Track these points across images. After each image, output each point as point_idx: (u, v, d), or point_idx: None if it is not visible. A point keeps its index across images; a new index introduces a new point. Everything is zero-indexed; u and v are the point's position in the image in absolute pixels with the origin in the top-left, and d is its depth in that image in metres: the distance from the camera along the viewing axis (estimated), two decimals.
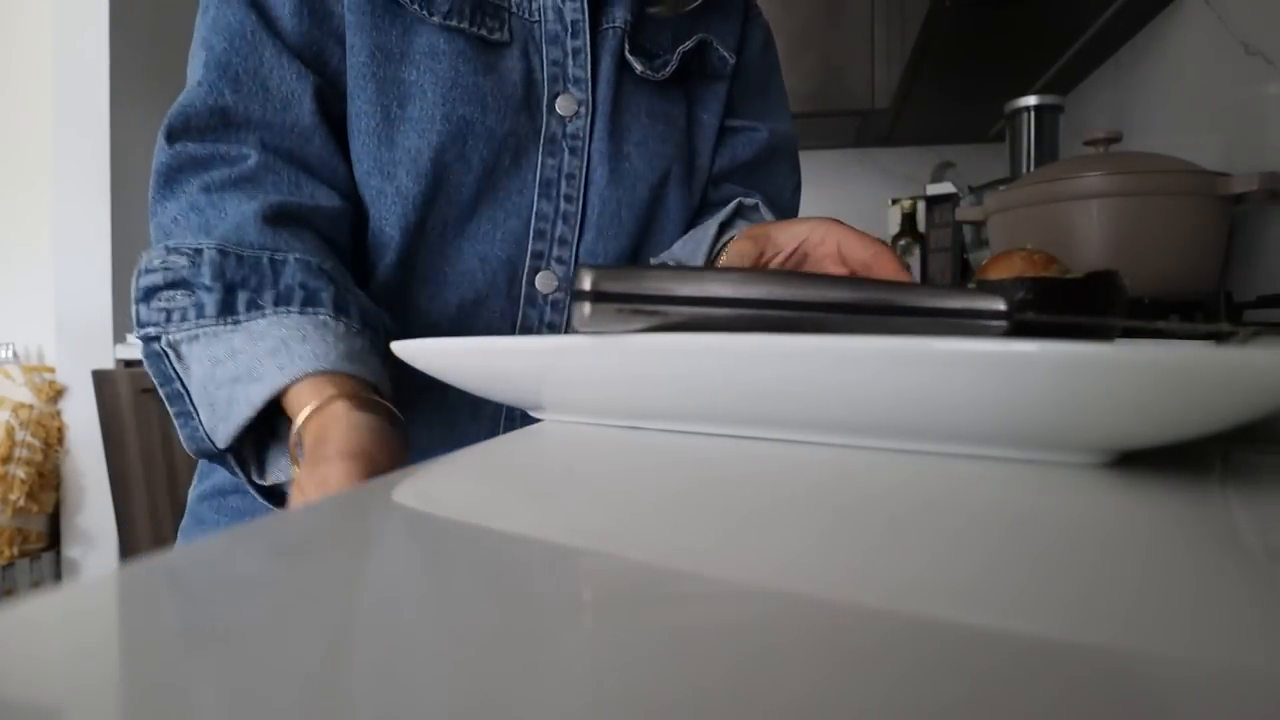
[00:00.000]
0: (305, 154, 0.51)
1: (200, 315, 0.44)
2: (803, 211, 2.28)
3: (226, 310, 0.45)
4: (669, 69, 0.60)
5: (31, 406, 1.93)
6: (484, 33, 0.54)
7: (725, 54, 0.64)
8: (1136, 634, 0.12)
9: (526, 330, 0.58)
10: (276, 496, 0.47)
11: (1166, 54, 1.16)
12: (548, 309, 0.58)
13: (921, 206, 1.68)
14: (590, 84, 0.57)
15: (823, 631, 0.12)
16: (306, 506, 0.21)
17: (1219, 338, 0.42)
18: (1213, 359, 0.19)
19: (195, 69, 0.50)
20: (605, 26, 0.58)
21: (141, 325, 0.45)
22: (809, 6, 1.83)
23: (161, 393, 0.45)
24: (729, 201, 0.65)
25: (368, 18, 0.51)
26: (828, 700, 0.10)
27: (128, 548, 1.85)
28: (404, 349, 0.37)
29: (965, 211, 1.05)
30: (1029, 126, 1.21)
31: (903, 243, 1.71)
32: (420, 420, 0.56)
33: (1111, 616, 0.13)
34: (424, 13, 0.52)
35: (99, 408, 1.79)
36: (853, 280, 0.31)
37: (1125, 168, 0.85)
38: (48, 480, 1.94)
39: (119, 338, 1.91)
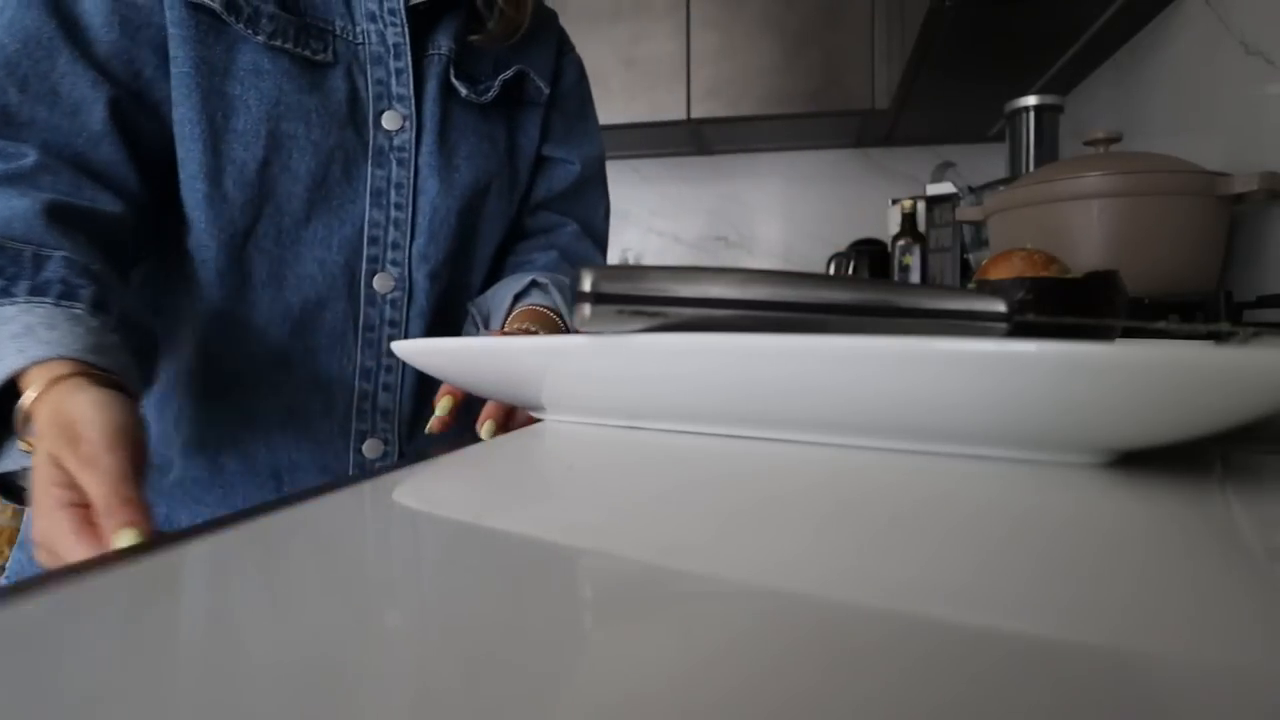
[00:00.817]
0: (90, 159, 0.52)
1: None
2: (803, 211, 2.27)
3: None
4: (491, 94, 0.66)
5: None
6: (308, 53, 0.57)
7: (541, 84, 0.71)
8: (1136, 634, 0.12)
9: (368, 328, 0.62)
10: (13, 492, 0.47)
11: (1166, 54, 1.16)
12: (387, 307, 0.62)
13: (921, 206, 1.68)
14: (415, 102, 0.62)
15: (823, 630, 0.12)
16: (308, 506, 0.21)
17: (1219, 338, 0.42)
18: (1213, 359, 0.19)
19: None
20: (431, 53, 0.63)
21: None
22: (809, 6, 1.83)
23: None
24: (545, 228, 0.75)
25: (192, 31, 0.53)
26: (828, 698, 0.10)
27: None
28: (404, 349, 0.37)
29: (965, 211, 1.05)
30: (1029, 126, 1.21)
31: (902, 243, 1.71)
32: (261, 424, 0.59)
33: (1111, 616, 0.13)
34: (249, 32, 0.55)
35: None
36: (853, 281, 0.31)
37: (1125, 168, 0.85)
38: None
39: None
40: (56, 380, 0.41)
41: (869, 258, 1.90)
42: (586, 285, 0.29)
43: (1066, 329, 0.33)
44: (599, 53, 1.91)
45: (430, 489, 0.24)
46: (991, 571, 0.15)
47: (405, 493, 0.23)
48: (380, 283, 0.62)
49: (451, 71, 0.63)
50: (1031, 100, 1.20)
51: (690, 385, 0.29)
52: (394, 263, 0.62)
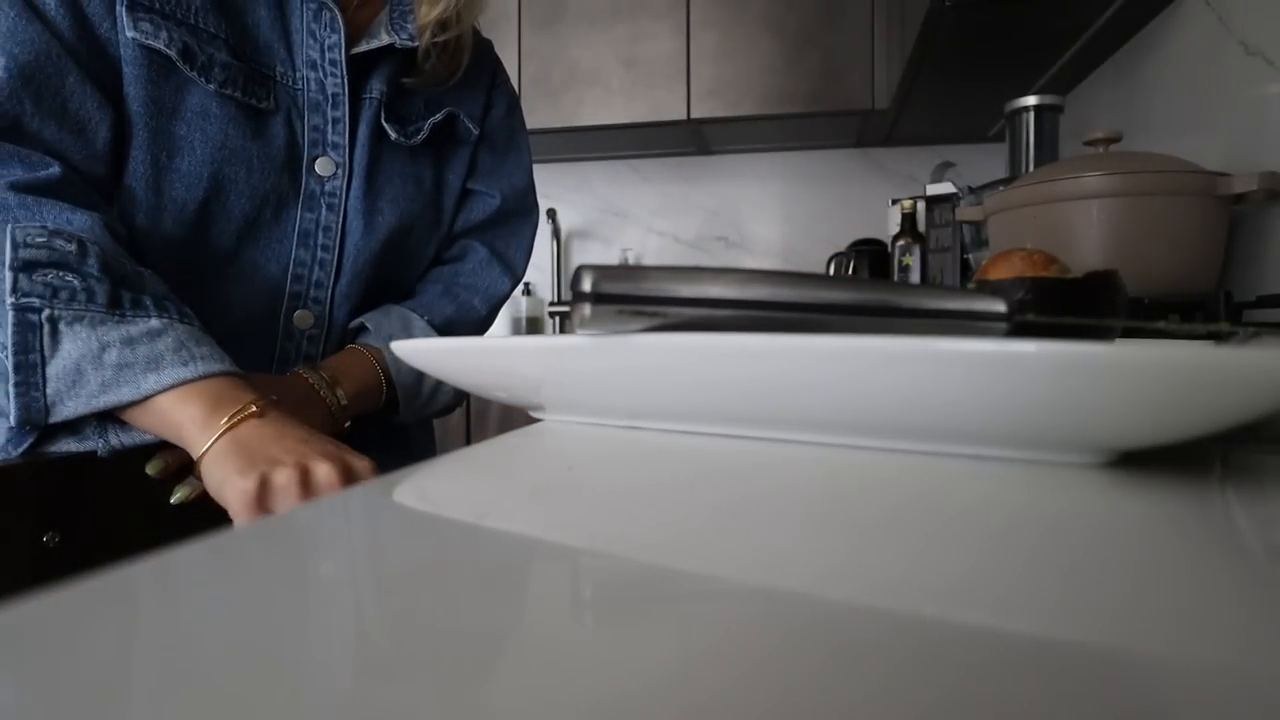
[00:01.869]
0: (97, 179, 0.53)
1: (90, 300, 0.46)
2: (803, 211, 2.27)
3: (115, 303, 0.47)
4: (420, 136, 0.67)
5: None
6: (252, 101, 0.58)
7: (470, 125, 0.72)
8: (1135, 633, 0.12)
9: (284, 362, 0.63)
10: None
11: (1166, 54, 1.16)
12: (304, 342, 0.64)
13: (921, 206, 1.68)
14: (348, 149, 0.63)
15: (823, 630, 0.12)
16: (307, 505, 0.21)
17: (1219, 338, 0.42)
18: (1213, 359, 0.19)
19: None
20: (364, 96, 0.64)
21: (21, 294, 0.45)
22: (809, 7, 1.83)
23: (12, 360, 0.45)
24: (456, 256, 0.76)
25: (144, 71, 0.53)
26: (828, 697, 0.10)
27: None
28: (404, 349, 0.37)
29: (965, 211, 1.05)
30: (1029, 126, 1.21)
31: (902, 243, 1.71)
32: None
33: (1110, 615, 0.13)
34: (201, 79, 0.55)
35: None
36: (853, 281, 0.31)
37: (1125, 168, 0.85)
38: None
39: None
40: (242, 419, 0.46)
41: (869, 258, 1.89)
42: (586, 285, 0.29)
43: (1066, 329, 0.33)
44: (599, 53, 1.91)
45: (430, 489, 0.24)
46: (990, 570, 0.15)
47: (405, 493, 0.23)
48: (300, 319, 0.63)
49: (383, 115, 0.64)
50: (1031, 100, 1.20)
51: (690, 385, 0.29)
52: (316, 300, 0.63)
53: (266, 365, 0.62)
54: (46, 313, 0.45)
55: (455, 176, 0.72)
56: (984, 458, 0.26)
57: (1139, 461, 0.25)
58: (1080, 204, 0.85)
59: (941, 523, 0.18)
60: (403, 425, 0.70)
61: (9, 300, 0.45)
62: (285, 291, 0.62)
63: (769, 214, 2.23)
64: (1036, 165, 1.19)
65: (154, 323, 0.48)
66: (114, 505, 0.51)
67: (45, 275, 0.46)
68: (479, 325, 0.75)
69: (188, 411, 0.46)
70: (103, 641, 0.12)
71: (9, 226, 0.46)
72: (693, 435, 0.31)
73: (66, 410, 0.46)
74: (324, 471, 0.44)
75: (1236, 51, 0.97)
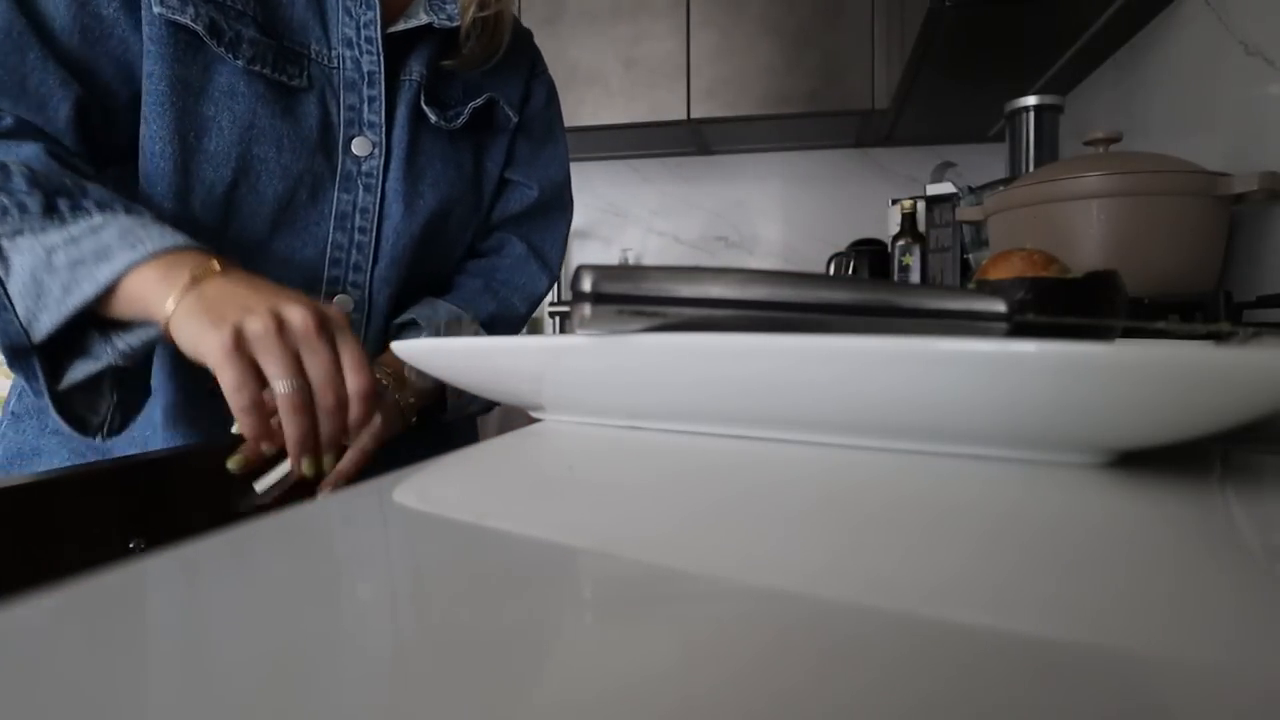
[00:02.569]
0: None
1: (24, 213, 0.46)
2: (803, 211, 2.26)
3: (50, 210, 0.47)
4: (460, 120, 0.66)
5: None
6: (283, 78, 0.57)
7: (510, 112, 0.71)
8: (1135, 633, 0.12)
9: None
10: (71, 415, 0.50)
11: (1166, 54, 1.16)
12: None
13: (921, 206, 1.68)
14: (385, 129, 0.62)
15: (823, 629, 0.12)
16: (308, 505, 0.21)
17: (1219, 338, 0.42)
18: (1213, 359, 0.19)
19: None
20: (403, 79, 0.63)
21: None
22: (809, 6, 1.83)
23: None
24: (495, 248, 0.75)
25: (169, 49, 0.53)
26: (828, 696, 0.10)
27: None
28: (404, 349, 0.37)
29: (965, 211, 1.05)
30: (1029, 126, 1.21)
31: (902, 243, 1.71)
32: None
33: (1109, 615, 0.13)
34: (229, 56, 0.55)
35: None
36: (853, 281, 0.31)
37: (1125, 168, 0.85)
38: None
39: None
40: (201, 276, 0.45)
41: (869, 258, 1.90)
42: (586, 285, 0.29)
43: (1066, 329, 0.33)
44: (599, 53, 1.91)
45: (430, 489, 0.24)
46: (990, 570, 0.15)
47: (405, 493, 0.23)
48: (340, 304, 0.62)
49: (422, 98, 0.63)
50: (1031, 100, 1.20)
51: (690, 385, 0.29)
52: (354, 285, 0.63)
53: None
54: None
55: (494, 165, 0.71)
56: (984, 458, 0.26)
57: (1139, 461, 0.25)
58: (1080, 204, 0.85)
59: (941, 522, 0.18)
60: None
61: None
62: (323, 276, 0.61)
63: (769, 214, 2.23)
64: (1036, 165, 1.19)
65: (95, 219, 0.47)
66: (193, 507, 0.51)
67: None
68: (518, 324, 0.75)
69: (148, 283, 0.46)
70: (95, 644, 0.12)
71: None
72: (693, 435, 0.31)
73: (43, 324, 0.46)
74: (299, 315, 0.44)
75: (1236, 51, 0.97)
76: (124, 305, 0.47)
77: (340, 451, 0.50)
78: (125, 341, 0.49)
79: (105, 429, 0.52)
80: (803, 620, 0.13)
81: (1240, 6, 0.97)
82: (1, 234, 0.46)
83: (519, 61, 0.72)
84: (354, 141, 0.61)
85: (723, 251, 2.25)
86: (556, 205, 0.78)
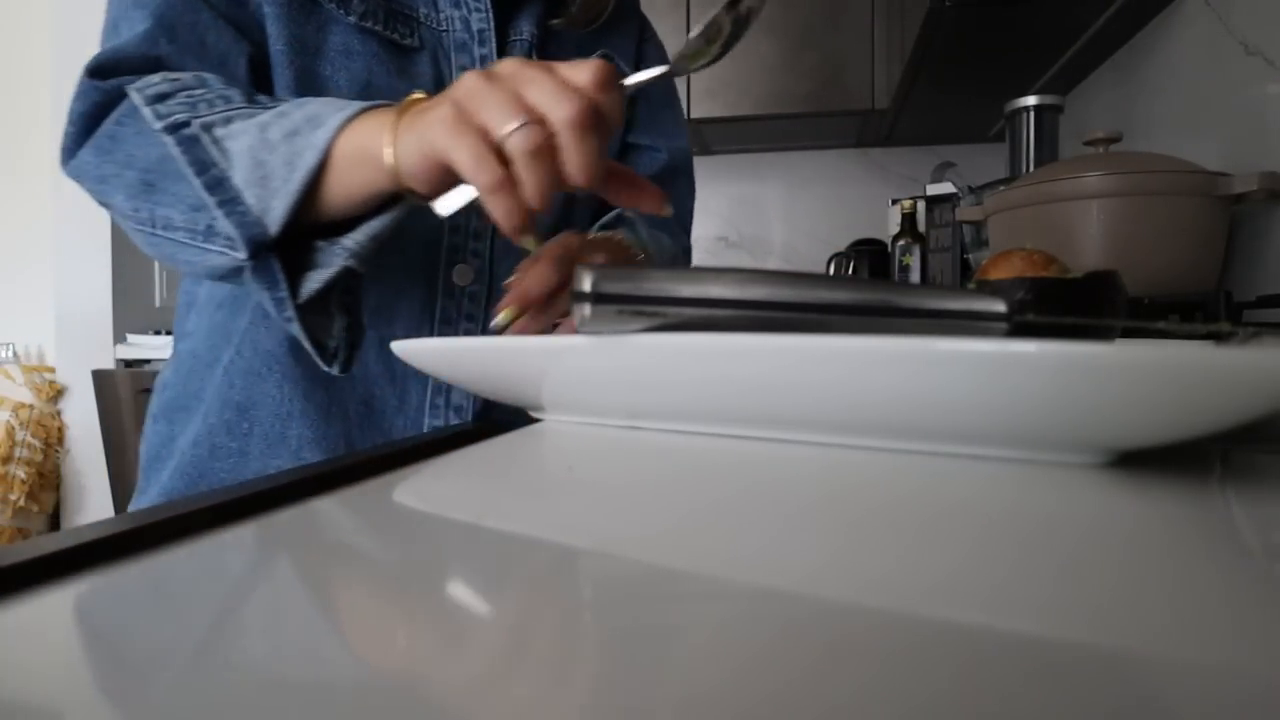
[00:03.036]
0: None
1: (229, 103, 0.45)
2: (803, 211, 2.26)
3: (252, 100, 0.46)
4: None
5: (31, 406, 1.93)
6: (396, 37, 0.56)
7: (626, 70, 0.68)
8: (1135, 633, 0.12)
9: (445, 322, 0.60)
10: (311, 339, 0.47)
11: (1166, 54, 1.16)
12: (465, 300, 0.60)
13: (921, 206, 1.68)
14: None
15: (823, 629, 0.12)
16: (308, 505, 0.21)
17: (1219, 338, 0.42)
18: (1213, 359, 0.19)
19: (127, 23, 0.51)
20: (513, 39, 0.62)
21: (163, 117, 0.44)
22: (809, 6, 1.83)
23: (199, 183, 0.43)
24: (631, 221, 0.72)
25: (284, 9, 0.53)
26: (827, 696, 0.10)
27: None
28: (404, 348, 0.37)
29: (965, 211, 1.05)
30: (1029, 126, 1.21)
31: (902, 243, 1.71)
32: (339, 414, 0.58)
33: (1109, 615, 0.13)
34: (340, 12, 0.54)
35: (99, 407, 1.79)
36: (853, 281, 0.31)
37: (1125, 168, 0.85)
38: (48, 480, 1.94)
39: (119, 338, 1.91)
40: (412, 102, 0.42)
41: (869, 258, 1.90)
42: (586, 285, 0.29)
43: (1066, 329, 0.33)
44: None
45: (430, 489, 0.24)
46: (989, 569, 0.15)
47: (405, 493, 0.23)
48: (460, 274, 0.60)
49: (534, 57, 0.61)
50: (1031, 100, 1.20)
51: (690, 385, 0.29)
52: (475, 254, 0.60)
53: (427, 326, 0.59)
54: (198, 123, 0.44)
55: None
56: (984, 457, 0.26)
57: (1139, 461, 0.25)
58: (1080, 204, 0.85)
59: (941, 522, 0.18)
60: None
61: (158, 127, 0.44)
62: (443, 244, 0.59)
63: (769, 214, 2.23)
64: (1036, 165, 1.19)
65: (296, 100, 0.46)
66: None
67: (177, 98, 0.45)
68: None
69: (365, 129, 0.42)
70: (91, 646, 0.12)
71: (129, 88, 0.46)
72: (693, 435, 0.31)
73: (276, 211, 0.43)
74: (506, 64, 0.39)
75: (1236, 51, 0.97)
76: (345, 170, 0.44)
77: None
78: (352, 239, 0.46)
79: (339, 357, 0.50)
80: (802, 620, 0.13)
81: (1240, 6, 0.97)
82: (213, 121, 0.44)
83: (627, 24, 0.71)
84: None
85: (723, 251, 2.25)
86: (685, 173, 0.76)
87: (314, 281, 0.46)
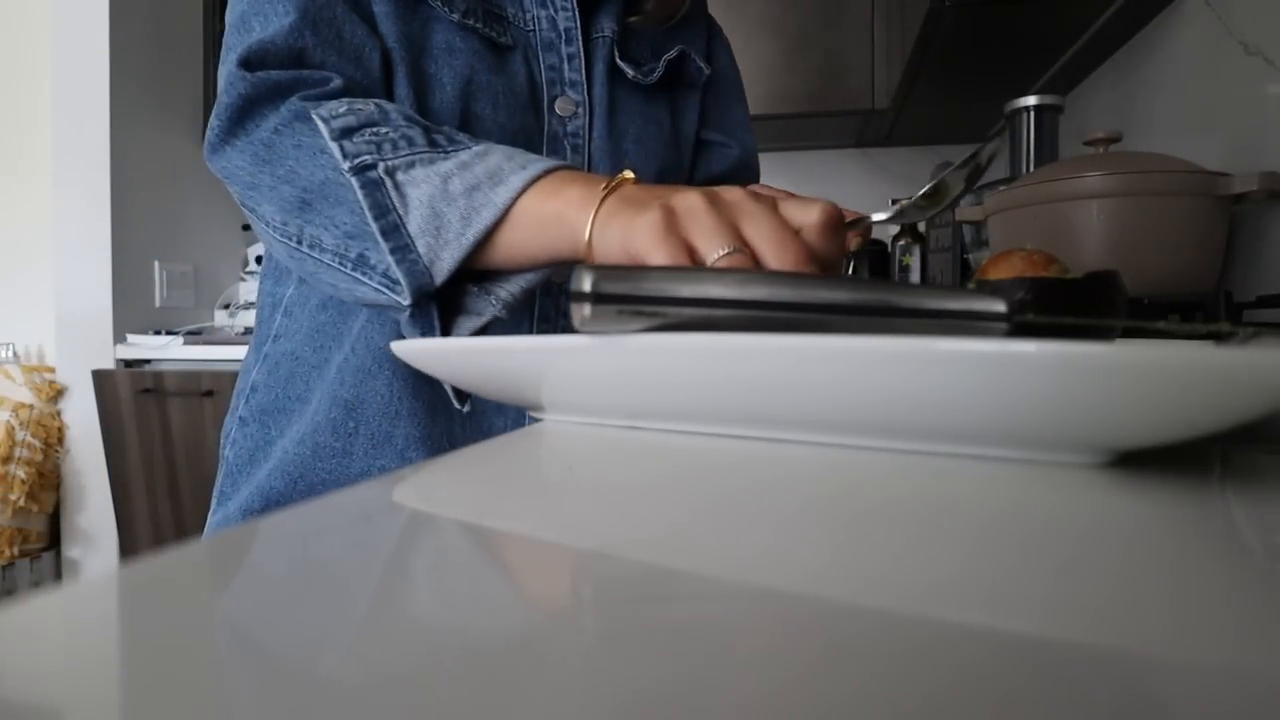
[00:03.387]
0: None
1: (412, 145, 0.45)
2: None
3: (433, 143, 0.46)
4: (656, 74, 0.65)
5: (31, 406, 1.93)
6: (493, 35, 0.57)
7: (701, 64, 0.69)
8: (1134, 633, 0.12)
9: (544, 319, 0.60)
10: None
11: (1166, 54, 1.16)
12: (563, 298, 0.60)
13: None
14: (586, 86, 0.61)
15: (822, 630, 0.12)
16: (310, 505, 0.21)
17: (1219, 338, 0.42)
18: (1213, 359, 0.19)
19: (262, 16, 0.51)
20: (595, 35, 0.62)
21: (350, 156, 0.44)
22: (809, 6, 1.83)
23: (376, 227, 0.44)
24: None
25: (393, 6, 0.53)
26: (827, 697, 0.10)
27: (128, 548, 1.85)
28: (404, 349, 0.37)
29: (965, 211, 1.05)
30: (1029, 126, 1.21)
31: (902, 243, 1.71)
32: (444, 413, 0.58)
33: (1108, 615, 0.13)
34: (445, 9, 0.55)
35: (99, 408, 1.79)
36: (853, 281, 0.31)
37: (1125, 168, 0.85)
38: (48, 480, 1.94)
39: (119, 338, 1.91)
40: (615, 185, 0.41)
41: (869, 258, 1.90)
42: (586, 285, 0.29)
43: (1066, 329, 0.33)
44: None
45: (430, 489, 0.24)
46: (989, 569, 0.15)
47: (405, 493, 0.23)
48: (556, 273, 0.60)
49: (616, 53, 0.62)
50: (1031, 100, 1.20)
51: (690, 385, 0.29)
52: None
53: (526, 324, 0.60)
54: (382, 166, 0.44)
55: (689, 123, 0.70)
56: (984, 457, 0.26)
57: (1139, 461, 0.25)
58: (1080, 204, 0.85)
59: (941, 522, 0.18)
60: None
61: (345, 167, 0.44)
62: None
63: None
64: (1036, 165, 1.19)
65: (476, 148, 0.46)
66: None
67: (363, 134, 0.45)
68: None
69: (561, 198, 0.42)
70: (93, 646, 0.12)
71: (311, 111, 0.46)
72: (693, 435, 0.31)
73: (446, 262, 0.44)
74: (733, 192, 0.38)
75: (1236, 51, 0.97)
76: (521, 232, 0.44)
77: None
78: (506, 290, 0.46)
79: (470, 396, 0.51)
80: (802, 620, 0.13)
81: (1240, 6, 0.97)
82: (397, 165, 0.44)
83: (698, 21, 0.72)
84: (557, 102, 0.60)
85: None
86: (754, 169, 0.77)
87: (465, 329, 0.47)
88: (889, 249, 1.78)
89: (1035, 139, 1.20)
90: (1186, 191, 0.84)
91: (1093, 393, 0.21)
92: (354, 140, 0.45)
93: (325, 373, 0.58)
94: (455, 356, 0.36)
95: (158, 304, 2.04)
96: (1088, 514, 0.19)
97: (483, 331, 0.48)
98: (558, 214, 0.42)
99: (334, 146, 0.45)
